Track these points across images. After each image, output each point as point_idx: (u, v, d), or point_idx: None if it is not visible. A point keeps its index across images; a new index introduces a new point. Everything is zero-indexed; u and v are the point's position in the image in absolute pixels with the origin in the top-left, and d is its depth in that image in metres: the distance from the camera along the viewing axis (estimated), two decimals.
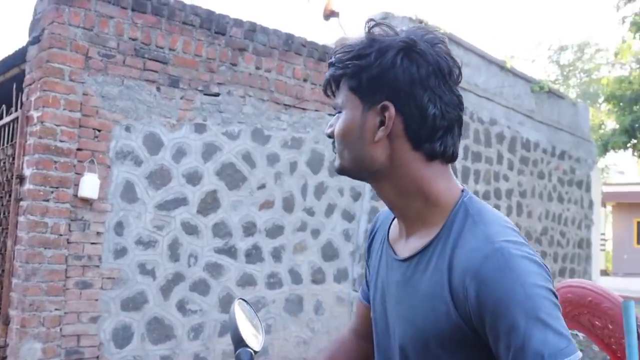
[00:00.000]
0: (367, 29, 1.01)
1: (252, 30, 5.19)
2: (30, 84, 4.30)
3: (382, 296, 1.09)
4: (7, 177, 4.49)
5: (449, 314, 0.92)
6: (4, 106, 4.73)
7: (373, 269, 1.15)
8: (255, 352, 1.16)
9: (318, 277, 5.59)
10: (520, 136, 8.26)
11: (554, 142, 9.05)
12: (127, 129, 4.45)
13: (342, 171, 1.06)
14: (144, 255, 4.51)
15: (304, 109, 5.52)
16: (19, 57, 4.58)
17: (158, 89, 4.61)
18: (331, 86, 1.05)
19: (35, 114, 4.15)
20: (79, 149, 4.21)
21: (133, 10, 4.47)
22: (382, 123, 0.98)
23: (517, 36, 49.58)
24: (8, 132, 4.59)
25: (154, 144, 4.59)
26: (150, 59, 4.56)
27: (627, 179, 28.79)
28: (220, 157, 4.96)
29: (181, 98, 4.74)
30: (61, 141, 4.11)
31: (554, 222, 8.97)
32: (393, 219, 1.13)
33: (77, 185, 4.16)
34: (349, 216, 5.85)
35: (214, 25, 4.93)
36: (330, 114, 5.69)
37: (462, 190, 1.02)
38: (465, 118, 6.13)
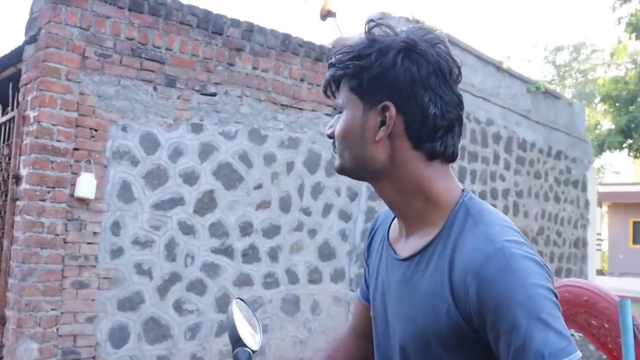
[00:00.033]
0: (367, 30, 1.01)
1: (249, 30, 5.19)
2: (26, 84, 4.29)
3: (382, 295, 1.09)
4: (3, 177, 4.48)
5: (449, 313, 0.92)
6: (0, 106, 4.72)
7: (373, 268, 1.16)
8: (253, 351, 1.16)
9: (315, 277, 5.60)
10: (516, 136, 8.27)
11: (550, 142, 9.08)
12: (124, 128, 4.45)
13: (342, 171, 1.06)
14: (140, 255, 4.50)
15: (301, 109, 5.52)
16: (16, 56, 4.57)
17: (155, 88, 4.61)
18: (331, 87, 1.06)
19: (31, 114, 4.14)
20: (75, 149, 4.20)
21: (130, 10, 4.47)
22: (383, 123, 0.98)
23: (514, 37, 49.67)
24: (4, 131, 4.58)
25: (150, 143, 4.59)
26: (147, 59, 4.56)
27: (623, 179, 28.88)
28: (217, 157, 4.96)
29: (178, 98, 4.73)
30: (58, 141, 4.11)
31: (550, 222, 8.99)
32: (393, 219, 1.13)
33: (73, 185, 4.15)
34: (345, 216, 5.85)
35: (211, 25, 4.93)
36: (327, 114, 5.69)
37: (463, 190, 1.02)
38: None
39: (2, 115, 4.65)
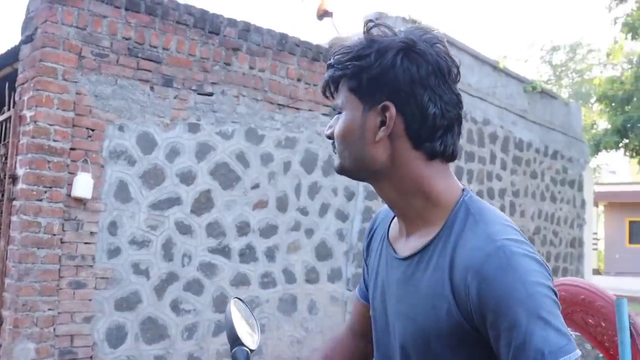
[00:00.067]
0: (365, 30, 1.01)
1: (246, 29, 5.19)
2: (23, 83, 4.28)
3: (382, 294, 1.09)
4: (0, 176, 4.47)
5: (450, 311, 0.93)
6: None
7: (372, 268, 1.16)
8: (251, 350, 1.17)
9: (312, 277, 5.60)
10: (513, 136, 8.29)
11: (547, 141, 9.10)
12: (121, 128, 4.44)
13: (342, 171, 1.06)
14: (137, 255, 4.50)
15: (297, 108, 5.52)
16: (12, 56, 4.56)
17: (152, 88, 4.61)
18: (330, 87, 1.06)
19: (28, 114, 4.13)
20: (72, 149, 4.20)
21: (126, 9, 4.47)
22: (383, 123, 0.98)
23: (510, 36, 49.75)
24: (1, 131, 4.56)
25: (147, 143, 4.58)
26: (143, 59, 4.55)
27: (619, 179, 28.97)
28: (214, 157, 4.96)
29: (175, 97, 4.73)
30: (54, 141, 4.10)
31: (547, 221, 9.02)
32: (393, 218, 1.13)
33: (70, 184, 4.14)
34: (342, 216, 5.85)
35: (208, 25, 4.93)
36: (324, 114, 5.70)
37: (463, 190, 1.03)
38: None
39: None
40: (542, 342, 0.83)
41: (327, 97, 1.08)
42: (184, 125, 4.78)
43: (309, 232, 5.58)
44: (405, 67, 0.97)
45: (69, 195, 4.14)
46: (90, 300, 4.25)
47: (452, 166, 1.05)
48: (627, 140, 11.94)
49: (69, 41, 4.18)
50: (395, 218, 1.11)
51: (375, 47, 0.98)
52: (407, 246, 1.04)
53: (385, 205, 1.14)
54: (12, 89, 4.45)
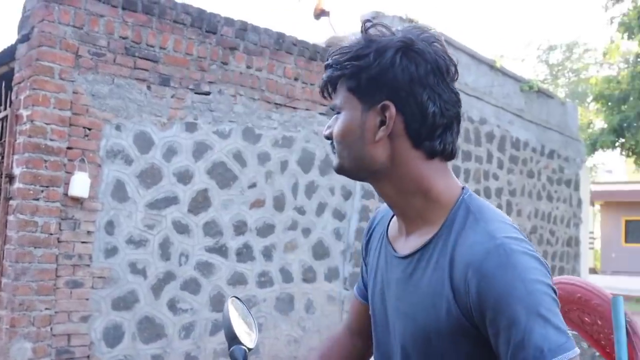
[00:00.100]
0: (363, 30, 1.01)
1: (243, 29, 5.18)
2: (19, 83, 4.27)
3: (382, 293, 1.10)
4: None
5: (450, 310, 0.93)
6: None
7: (371, 266, 1.16)
8: (249, 349, 1.17)
9: (309, 276, 5.60)
10: (509, 135, 8.31)
11: (543, 141, 9.11)
12: (118, 127, 4.44)
13: (341, 171, 1.06)
14: (134, 254, 4.49)
15: (294, 108, 5.52)
16: (8, 55, 4.55)
17: (149, 87, 4.60)
18: (328, 88, 1.06)
19: (24, 113, 4.12)
20: (69, 148, 4.19)
21: (123, 8, 4.46)
22: (382, 123, 0.98)
23: (507, 36, 49.81)
24: None
25: (144, 142, 4.58)
26: (140, 58, 4.55)
27: (615, 178, 29.01)
28: (211, 156, 4.95)
29: (172, 97, 4.73)
30: (51, 140, 4.09)
31: (543, 220, 9.03)
32: (392, 217, 1.13)
33: (67, 184, 4.14)
34: (339, 215, 5.86)
35: (205, 24, 4.93)
36: (321, 113, 5.70)
37: (463, 188, 1.03)
38: None
39: None
40: (542, 339, 0.83)
41: (325, 97, 1.07)
42: (181, 125, 4.78)
43: (306, 232, 5.58)
44: (405, 66, 0.97)
45: (65, 194, 4.14)
46: (87, 299, 4.25)
47: (449, 165, 1.06)
48: (623, 140, 11.98)
49: (65, 40, 4.17)
50: (395, 217, 1.11)
51: (374, 47, 0.98)
52: (407, 245, 1.04)
53: (384, 204, 1.14)
54: (9, 88, 4.45)
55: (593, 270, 19.07)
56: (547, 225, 9.12)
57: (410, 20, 6.70)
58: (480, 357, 0.94)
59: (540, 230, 8.92)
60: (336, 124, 1.04)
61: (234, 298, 1.26)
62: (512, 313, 0.85)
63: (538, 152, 8.96)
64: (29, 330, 3.97)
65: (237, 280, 5.08)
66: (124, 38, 4.46)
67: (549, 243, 9.16)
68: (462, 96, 1.04)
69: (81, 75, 4.26)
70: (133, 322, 4.47)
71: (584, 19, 51.59)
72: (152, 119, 4.62)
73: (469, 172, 7.45)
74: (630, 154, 12.43)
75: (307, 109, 5.61)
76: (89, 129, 4.30)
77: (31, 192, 4.01)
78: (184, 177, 4.79)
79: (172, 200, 4.71)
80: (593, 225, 22.13)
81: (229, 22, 5.09)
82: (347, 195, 5.93)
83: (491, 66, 8.11)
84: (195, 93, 4.86)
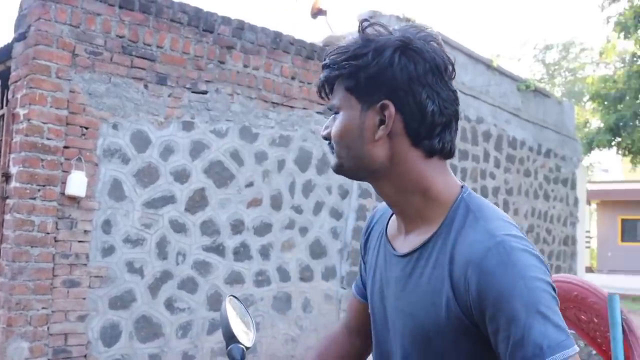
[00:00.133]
0: (360, 29, 1.01)
1: (240, 28, 5.18)
2: (16, 81, 4.26)
3: (381, 292, 1.10)
4: None
5: (449, 307, 0.93)
6: None
7: (370, 265, 1.16)
8: (247, 348, 1.17)
9: (306, 275, 5.60)
10: (506, 134, 8.32)
11: (540, 140, 9.13)
12: (115, 126, 4.43)
13: (339, 171, 1.06)
14: (131, 253, 4.49)
15: (292, 106, 5.52)
16: (5, 53, 4.54)
17: (146, 86, 4.60)
18: (325, 88, 1.05)
19: (21, 112, 4.12)
20: (66, 147, 4.18)
21: (120, 7, 4.45)
22: (382, 122, 0.99)
23: (503, 35, 49.86)
24: None
25: (141, 141, 4.57)
26: (137, 57, 4.54)
27: (612, 177, 29.09)
28: (208, 155, 4.95)
29: (169, 96, 4.72)
30: (48, 139, 4.09)
31: (540, 219, 9.05)
32: (391, 215, 1.13)
33: (64, 183, 4.13)
34: (337, 214, 5.86)
35: (202, 23, 4.92)
36: (318, 112, 5.70)
37: (462, 187, 1.03)
38: None
39: None
40: (541, 336, 0.84)
41: (322, 97, 1.07)
42: (178, 124, 4.77)
43: (303, 230, 5.58)
44: (403, 65, 0.97)
45: (62, 193, 4.13)
46: (84, 298, 4.24)
47: (447, 164, 1.06)
48: (619, 139, 12.01)
49: (62, 39, 4.17)
50: (394, 215, 1.11)
51: (372, 46, 0.98)
52: (406, 243, 1.04)
53: (383, 203, 1.14)
54: (5, 87, 4.44)
55: (589, 269, 19.11)
56: (544, 224, 9.14)
57: (408, 20, 6.71)
58: (480, 356, 0.95)
59: (537, 229, 8.94)
60: (334, 124, 1.03)
61: (231, 297, 1.26)
62: (511, 310, 0.85)
63: (535, 151, 8.98)
64: (26, 329, 3.97)
65: (235, 279, 5.08)
66: (120, 37, 4.46)
67: (546, 242, 9.18)
68: (459, 95, 1.05)
69: (78, 74, 4.25)
70: (130, 322, 4.47)
71: (580, 19, 51.70)
72: (149, 118, 4.61)
73: (465, 171, 7.46)
74: (627, 153, 12.46)
75: (304, 108, 5.61)
76: (86, 128, 4.29)
77: (28, 191, 4.01)
78: (181, 176, 4.79)
79: (169, 200, 4.71)
80: (589, 224, 22.19)
81: (226, 21, 5.09)
82: (344, 194, 5.93)
83: (488, 65, 8.12)
84: (192, 92, 4.86)
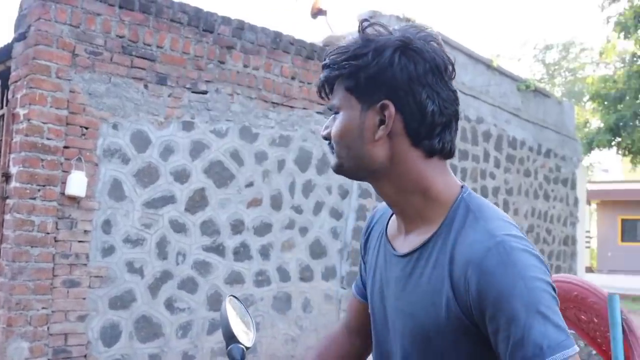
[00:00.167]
0: (360, 29, 1.01)
1: (240, 28, 5.18)
2: (16, 81, 4.27)
3: (381, 292, 1.10)
4: None
5: (449, 307, 0.93)
6: None
7: (370, 265, 1.16)
8: (247, 348, 1.17)
9: (306, 275, 5.60)
10: (506, 134, 8.32)
11: (540, 140, 9.13)
12: (115, 126, 4.43)
13: (339, 171, 1.06)
14: (131, 253, 4.49)
15: (292, 106, 5.52)
16: (5, 53, 4.54)
17: (146, 86, 4.60)
18: (325, 88, 1.05)
19: (21, 112, 4.12)
20: (66, 147, 4.18)
21: (120, 7, 4.45)
22: (382, 122, 0.99)
23: (503, 35, 49.86)
24: None
25: (141, 141, 4.57)
26: (137, 57, 4.54)
27: (612, 177, 29.09)
28: (208, 155, 4.95)
29: (169, 96, 4.72)
30: (48, 139, 4.09)
31: (540, 219, 9.05)
32: (391, 215, 1.13)
33: (64, 183, 4.13)
34: (336, 214, 5.86)
35: (202, 23, 4.92)
36: (318, 112, 5.70)
37: (462, 187, 1.03)
38: None
39: None
40: (541, 336, 0.83)
41: (322, 97, 1.07)
42: (178, 124, 4.77)
43: (303, 230, 5.58)
44: (403, 65, 0.97)
45: (62, 193, 4.13)
46: (84, 298, 4.24)
47: (447, 164, 1.06)
48: (619, 139, 12.01)
49: (62, 39, 4.17)
50: (394, 215, 1.11)
51: (373, 46, 0.98)
52: (406, 243, 1.04)
53: (383, 203, 1.14)
54: (5, 87, 4.44)
55: (589, 269, 19.11)
56: (544, 224, 9.14)
57: (407, 20, 6.71)
58: (480, 356, 0.95)
59: (537, 229, 8.93)
60: (334, 124, 1.03)
61: (231, 297, 1.26)
62: (511, 310, 0.85)
63: (535, 151, 8.98)
64: (26, 329, 3.97)
65: (235, 279, 5.08)
66: (120, 37, 4.46)
67: (546, 242, 9.17)
68: (458, 95, 1.05)
69: (78, 74, 4.25)
70: (130, 322, 4.47)
71: (580, 19, 51.70)
72: (149, 118, 4.61)
73: (465, 171, 7.46)
74: (627, 153, 12.46)
75: (304, 108, 5.61)
76: (86, 128, 4.29)
77: (28, 191, 4.01)
78: (181, 176, 4.79)
79: (169, 200, 4.71)
80: (589, 224, 22.19)
81: (226, 21, 5.09)
82: (344, 194, 5.93)
83: (488, 65, 8.12)
84: (192, 92, 4.86)
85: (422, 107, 0.97)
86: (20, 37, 4.26)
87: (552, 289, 0.89)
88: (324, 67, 1.04)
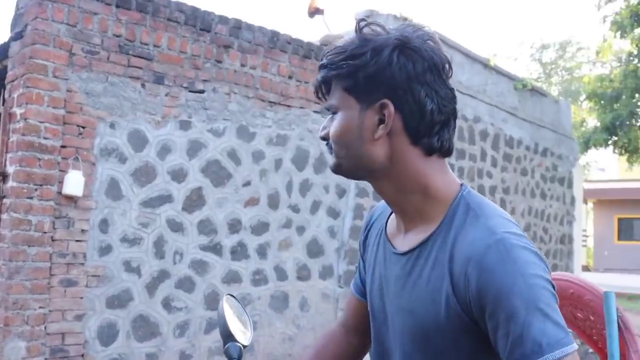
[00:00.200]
0: (358, 29, 1.01)
1: (237, 27, 5.18)
2: (12, 81, 4.26)
3: (380, 290, 1.10)
4: None
5: (449, 305, 0.94)
6: None
7: (369, 263, 1.16)
8: (244, 346, 1.17)
9: (303, 274, 5.61)
10: (503, 133, 8.33)
11: (537, 139, 9.15)
12: (112, 125, 4.43)
13: (338, 171, 1.06)
14: (129, 252, 4.49)
15: (289, 106, 5.52)
16: (1, 53, 4.52)
17: (143, 85, 4.59)
18: (322, 88, 1.05)
19: (18, 111, 4.11)
20: (63, 146, 4.18)
21: (117, 6, 4.45)
22: (381, 121, 0.99)
23: (500, 34, 49.91)
24: None
25: (138, 140, 4.57)
26: (134, 56, 4.54)
27: (608, 176, 29.14)
28: (206, 154, 4.95)
29: (166, 95, 4.72)
30: (45, 138, 4.08)
31: (537, 218, 9.07)
32: (390, 213, 1.14)
33: (61, 182, 4.13)
34: (334, 213, 5.86)
35: (199, 22, 4.92)
36: (315, 111, 5.70)
37: (461, 185, 1.03)
38: None
39: None
40: (540, 334, 0.84)
41: (319, 97, 1.07)
42: (175, 123, 4.77)
43: (301, 230, 5.58)
44: (402, 64, 0.97)
45: (59, 193, 4.13)
46: (81, 298, 4.24)
47: (446, 162, 1.06)
48: (616, 138, 12.03)
49: (59, 38, 4.16)
50: (393, 214, 1.11)
51: (371, 46, 0.98)
52: (406, 241, 1.05)
53: (382, 201, 1.15)
54: (2, 86, 4.43)
55: (586, 268, 19.16)
56: (541, 223, 9.16)
57: (405, 19, 6.71)
58: (480, 353, 0.95)
59: (533, 228, 8.95)
60: (333, 124, 1.03)
61: (228, 296, 1.26)
62: (511, 307, 0.86)
63: (532, 150, 9.00)
64: (23, 329, 3.96)
65: (232, 278, 5.08)
66: (117, 36, 4.45)
67: (543, 240, 9.19)
68: (455, 94, 1.05)
69: (75, 73, 4.24)
70: (127, 321, 4.47)
71: (576, 18, 51.78)
72: (146, 117, 4.61)
73: (462, 170, 7.47)
74: (623, 152, 12.49)
75: (301, 107, 5.61)
76: (83, 127, 4.28)
77: (25, 190, 4.00)
78: (178, 175, 4.78)
79: (166, 199, 4.71)
80: (586, 223, 22.23)
81: (223, 20, 5.08)
82: (342, 193, 5.93)
83: (485, 65, 8.13)
84: (190, 91, 4.86)
85: (421, 106, 0.98)
86: (17, 36, 4.25)
87: (552, 286, 0.90)
88: (321, 67, 1.04)
